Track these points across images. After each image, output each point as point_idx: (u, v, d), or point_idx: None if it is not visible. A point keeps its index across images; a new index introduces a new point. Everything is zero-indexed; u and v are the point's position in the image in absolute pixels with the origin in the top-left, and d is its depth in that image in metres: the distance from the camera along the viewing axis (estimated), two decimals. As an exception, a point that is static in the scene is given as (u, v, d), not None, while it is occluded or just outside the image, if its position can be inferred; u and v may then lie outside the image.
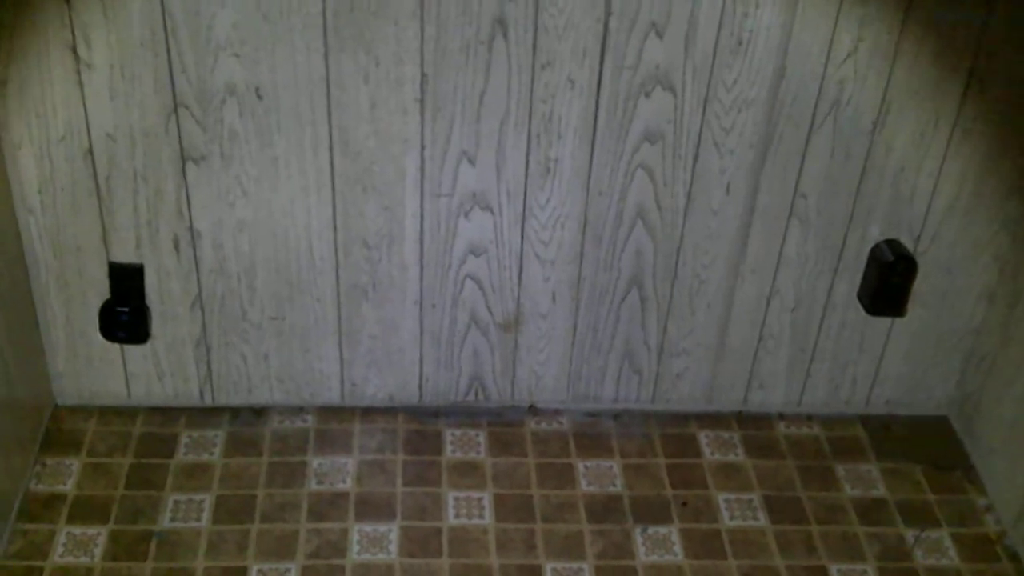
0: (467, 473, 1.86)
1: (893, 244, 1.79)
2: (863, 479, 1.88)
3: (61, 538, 1.70)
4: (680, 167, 1.72)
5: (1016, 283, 1.79)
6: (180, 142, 1.66)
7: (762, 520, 1.80)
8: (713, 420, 1.97)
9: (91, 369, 1.88)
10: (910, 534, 1.79)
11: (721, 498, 1.84)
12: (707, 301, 1.86)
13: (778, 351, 1.92)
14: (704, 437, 1.95)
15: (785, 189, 1.75)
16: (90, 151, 1.66)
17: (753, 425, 1.97)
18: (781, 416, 1.99)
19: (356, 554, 1.71)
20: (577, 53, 1.61)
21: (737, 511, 1.81)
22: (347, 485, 1.82)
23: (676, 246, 1.80)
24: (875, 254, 1.80)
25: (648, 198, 1.75)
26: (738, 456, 1.92)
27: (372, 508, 1.79)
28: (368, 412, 1.96)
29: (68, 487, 1.79)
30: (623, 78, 1.64)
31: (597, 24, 1.59)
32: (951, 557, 1.76)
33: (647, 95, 1.65)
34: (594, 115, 1.67)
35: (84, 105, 1.62)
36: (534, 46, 1.61)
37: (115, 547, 1.69)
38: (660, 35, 1.60)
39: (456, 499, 1.81)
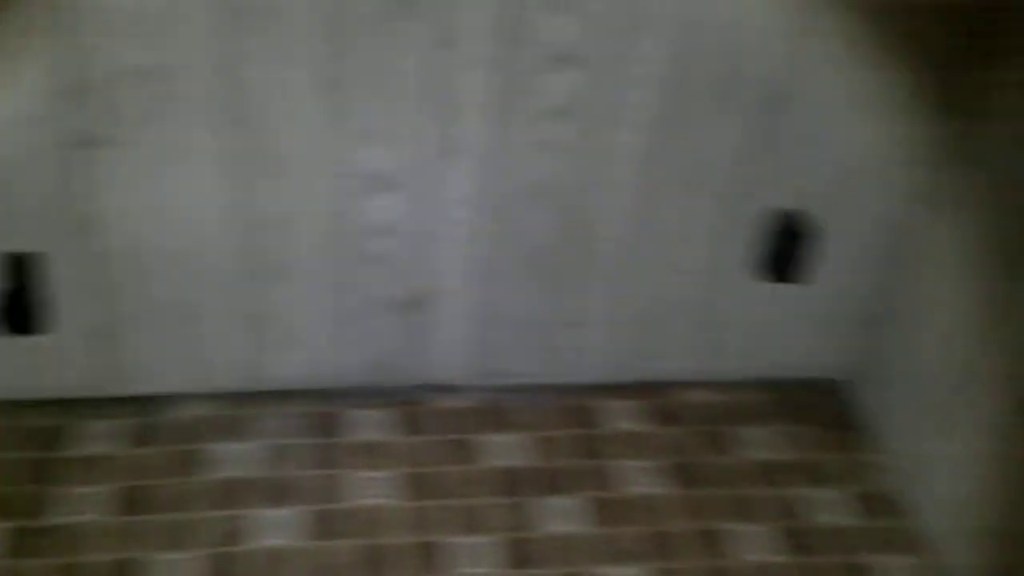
0: (373, 452, 1.86)
1: (792, 214, 1.80)
2: (761, 442, 1.92)
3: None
4: (589, 142, 1.72)
5: (907, 249, 1.83)
6: (76, 125, 1.60)
7: (666, 488, 1.82)
8: (617, 391, 1.99)
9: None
10: (807, 494, 1.83)
11: (628, 466, 1.86)
12: (606, 272, 1.87)
13: (680, 321, 1.94)
14: (608, 407, 1.96)
15: (690, 161, 1.75)
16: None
17: (656, 394, 1.99)
18: (683, 384, 2.01)
19: (261, 539, 1.70)
20: (482, 29, 1.59)
21: (643, 479, 1.84)
22: (250, 471, 1.81)
23: (578, 220, 1.80)
24: (775, 224, 1.81)
25: (557, 174, 1.74)
26: (642, 425, 1.94)
27: (277, 493, 1.78)
28: (271, 396, 1.93)
29: None
30: (528, 54, 1.62)
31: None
32: (847, 514, 1.80)
33: (555, 71, 1.64)
34: (500, 92, 1.66)
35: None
36: (438, 23, 1.59)
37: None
38: (563, 10, 1.59)
39: (361, 479, 1.81)
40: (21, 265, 1.74)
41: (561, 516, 1.77)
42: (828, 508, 1.81)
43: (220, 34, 1.56)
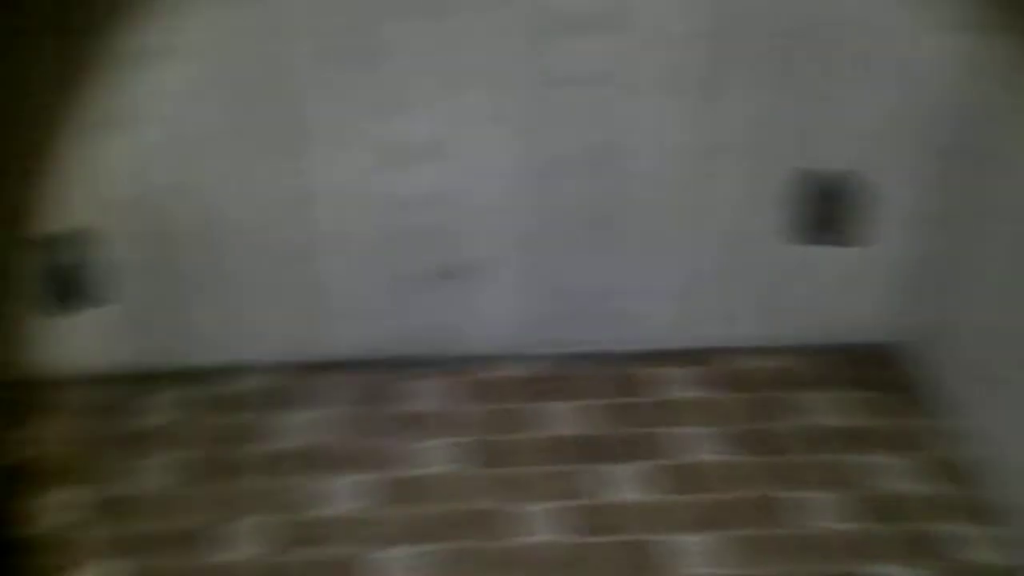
0: (431, 422, 1.86)
1: (832, 176, 1.78)
2: (820, 408, 1.88)
3: None
4: (627, 108, 1.70)
5: (958, 207, 1.78)
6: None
7: (726, 455, 1.81)
8: (671, 358, 1.97)
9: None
10: (870, 460, 1.79)
11: (687, 433, 1.85)
12: (655, 238, 1.85)
13: (733, 286, 1.92)
14: (663, 375, 1.95)
15: (728, 124, 1.73)
16: None
17: (711, 360, 1.97)
18: (736, 350, 1.98)
19: (330, 507, 1.71)
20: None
21: (703, 446, 1.82)
22: (312, 441, 1.83)
23: (625, 187, 1.79)
24: (815, 186, 1.79)
25: (598, 142, 1.73)
26: (699, 392, 1.92)
27: (340, 462, 1.79)
28: (327, 367, 1.94)
29: None
30: (563, 15, 1.61)
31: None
32: (912, 482, 1.75)
33: (588, 36, 1.63)
34: (541, 58, 1.64)
35: None
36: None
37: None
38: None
39: (421, 448, 1.81)
40: (75, 241, 1.77)
41: (624, 484, 1.76)
42: (892, 475, 1.77)
43: (248, 8, 1.57)
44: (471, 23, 1.61)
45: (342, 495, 1.74)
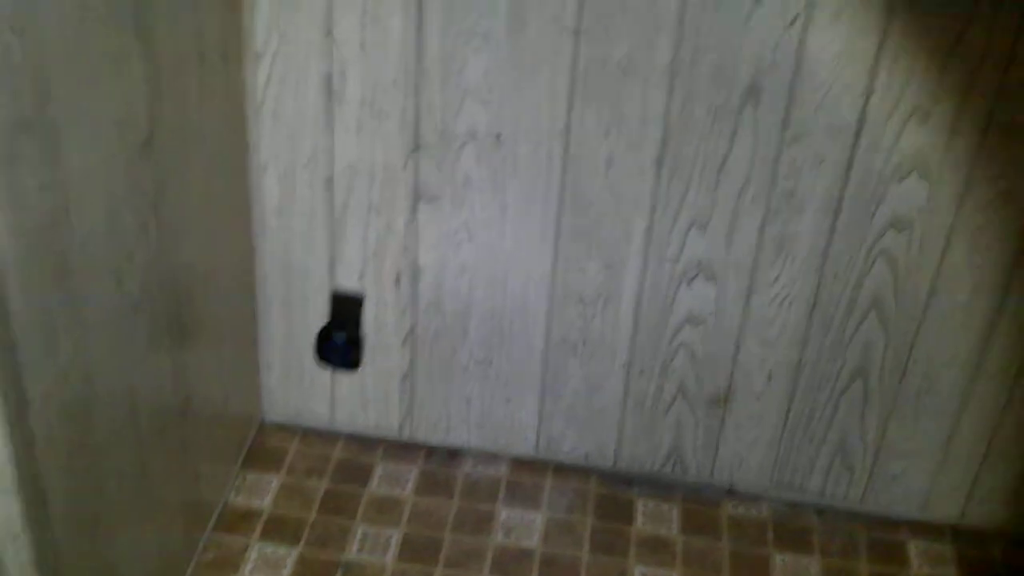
0: (657, 548, 1.79)
1: None
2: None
3: (252, 553, 1.73)
4: (925, 258, 1.62)
5: None
6: (416, 181, 1.68)
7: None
8: (925, 529, 1.84)
9: (300, 390, 1.92)
10: None
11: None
12: (936, 404, 1.74)
13: (1007, 465, 1.78)
14: (914, 547, 1.82)
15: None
16: (331, 180, 1.71)
17: (969, 541, 1.83)
18: (1001, 534, 1.84)
19: (536, 615, 1.68)
20: (831, 130, 1.55)
21: (948, 634, 1.69)
22: (533, 542, 1.79)
23: (910, 341, 1.69)
24: None
25: (887, 288, 1.65)
26: (950, 573, 1.78)
27: (557, 570, 1.74)
28: (561, 469, 1.92)
29: (265, 503, 1.82)
30: (878, 160, 1.56)
31: (858, 100, 1.52)
32: None
33: (900, 180, 1.57)
34: (839, 196, 1.59)
35: (332, 135, 1.67)
36: (784, 120, 1.55)
37: (303, 570, 1.71)
38: (924, 121, 1.52)
39: (643, 574, 1.75)
40: (345, 305, 1.82)
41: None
42: None
43: (558, 105, 1.58)
44: (769, 150, 1.57)
45: (556, 606, 1.68)
